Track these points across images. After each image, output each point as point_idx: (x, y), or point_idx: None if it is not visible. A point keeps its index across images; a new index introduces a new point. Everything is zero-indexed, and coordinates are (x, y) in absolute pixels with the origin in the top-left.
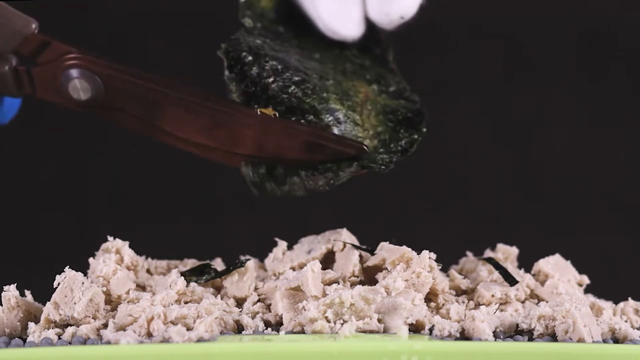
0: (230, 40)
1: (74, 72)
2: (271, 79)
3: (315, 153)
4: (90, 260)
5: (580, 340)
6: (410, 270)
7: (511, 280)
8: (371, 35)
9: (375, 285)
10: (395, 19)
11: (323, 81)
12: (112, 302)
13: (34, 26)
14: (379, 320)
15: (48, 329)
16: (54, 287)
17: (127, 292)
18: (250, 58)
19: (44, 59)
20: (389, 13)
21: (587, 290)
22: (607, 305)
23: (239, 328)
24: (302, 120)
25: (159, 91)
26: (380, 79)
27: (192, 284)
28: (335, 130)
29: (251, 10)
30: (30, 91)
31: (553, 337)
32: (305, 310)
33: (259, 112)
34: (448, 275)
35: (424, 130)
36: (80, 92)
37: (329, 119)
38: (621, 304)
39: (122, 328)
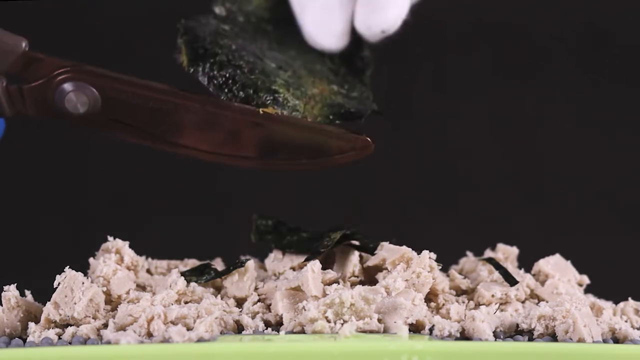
0: (193, 18)
1: (68, 86)
2: (220, 51)
3: (318, 152)
4: (91, 260)
5: (580, 340)
6: (411, 270)
7: (511, 280)
8: (356, 48)
9: (375, 285)
10: (377, 32)
11: (278, 70)
12: (112, 302)
13: (24, 44)
14: (379, 320)
15: (48, 329)
16: (54, 287)
17: (127, 292)
18: (208, 34)
19: (36, 76)
20: (371, 26)
21: (587, 290)
22: (607, 305)
23: (239, 328)
24: (241, 92)
25: (157, 99)
26: (344, 84)
27: (192, 284)
28: (274, 107)
29: (240, 2)
30: (23, 109)
31: (553, 337)
32: (305, 310)
33: (261, 112)
34: (448, 275)
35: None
36: (77, 106)
37: (267, 97)
38: (621, 304)
39: (122, 328)
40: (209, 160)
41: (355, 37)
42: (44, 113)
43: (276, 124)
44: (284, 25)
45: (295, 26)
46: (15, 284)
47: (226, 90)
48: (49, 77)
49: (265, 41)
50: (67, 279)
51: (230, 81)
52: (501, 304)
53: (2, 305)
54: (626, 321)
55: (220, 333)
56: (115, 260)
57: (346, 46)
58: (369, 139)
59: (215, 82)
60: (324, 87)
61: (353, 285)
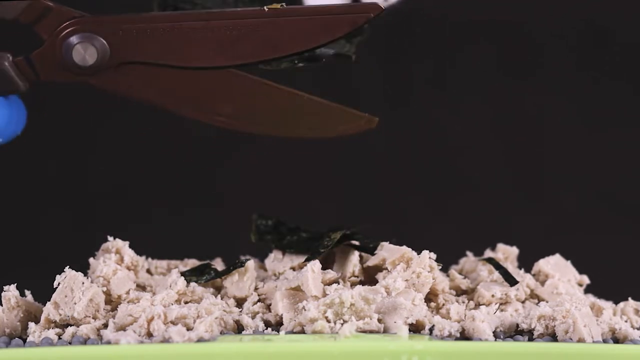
0: None
1: (74, 39)
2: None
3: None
4: (90, 260)
5: (580, 340)
6: (411, 270)
7: (511, 280)
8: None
9: (375, 285)
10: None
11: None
12: (112, 302)
13: None
14: (379, 320)
15: (48, 329)
16: (54, 287)
17: (127, 292)
18: None
19: (45, 27)
20: None
21: (587, 290)
22: (607, 305)
23: (239, 328)
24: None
25: (162, 27)
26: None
27: (192, 284)
28: None
29: None
30: (35, 78)
31: (553, 337)
32: (305, 310)
33: (266, 9)
34: (448, 275)
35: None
36: (85, 57)
37: None
38: (621, 304)
39: (122, 328)
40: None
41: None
42: (56, 75)
43: (284, 18)
44: None
45: None
46: (15, 284)
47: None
48: (54, 34)
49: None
50: (67, 279)
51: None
52: (501, 304)
53: (2, 305)
54: (626, 321)
55: (220, 333)
56: (115, 260)
57: None
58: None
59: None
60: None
61: (353, 285)
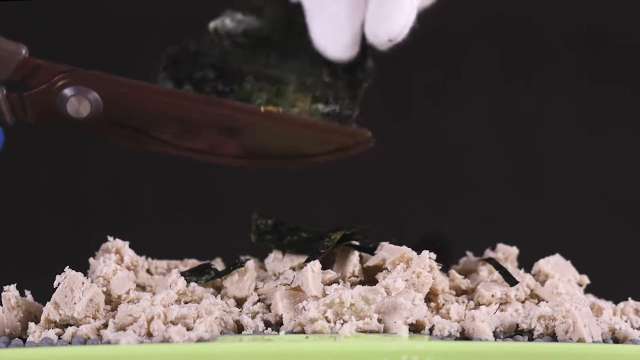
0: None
1: (70, 91)
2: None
3: (325, 145)
4: (90, 260)
5: (580, 340)
6: (410, 270)
7: (511, 280)
8: (362, 58)
9: (375, 285)
10: (384, 41)
11: (260, 92)
12: (112, 302)
13: (24, 51)
14: (379, 320)
15: (48, 329)
16: (54, 287)
17: (127, 292)
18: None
19: (36, 82)
20: (378, 35)
21: (587, 290)
22: (607, 305)
23: (239, 328)
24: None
25: (157, 101)
26: (331, 97)
27: (192, 284)
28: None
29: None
30: (24, 117)
31: (553, 337)
32: (305, 310)
33: (262, 110)
34: (448, 275)
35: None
36: (79, 110)
37: (247, 90)
38: (621, 304)
39: (122, 328)
40: (209, 161)
41: (362, 50)
42: (46, 119)
43: (277, 122)
44: (294, 36)
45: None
46: (15, 284)
47: (207, 88)
48: (50, 83)
49: (262, 56)
50: (67, 279)
51: (211, 82)
52: (501, 304)
53: (2, 305)
54: (626, 321)
55: (220, 333)
56: (115, 260)
57: (355, 56)
58: (369, 132)
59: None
60: (305, 105)
61: (353, 285)
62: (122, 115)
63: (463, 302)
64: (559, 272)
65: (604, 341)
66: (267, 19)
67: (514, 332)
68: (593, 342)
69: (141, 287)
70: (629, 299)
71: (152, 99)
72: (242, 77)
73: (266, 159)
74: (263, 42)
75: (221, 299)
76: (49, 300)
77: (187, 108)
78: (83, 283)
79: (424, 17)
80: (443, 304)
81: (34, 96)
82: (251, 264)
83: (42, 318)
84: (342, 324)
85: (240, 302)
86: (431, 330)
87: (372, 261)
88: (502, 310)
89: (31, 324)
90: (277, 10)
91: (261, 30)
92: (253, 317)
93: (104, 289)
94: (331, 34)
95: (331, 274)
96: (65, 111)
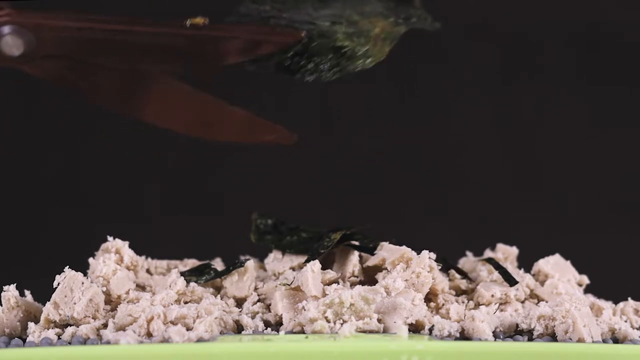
0: (237, 14)
1: (4, 29)
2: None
3: (256, 51)
4: (90, 260)
5: (580, 340)
6: (410, 270)
7: (511, 280)
8: None
9: (375, 285)
10: None
11: (333, 26)
12: (112, 302)
13: None
14: (379, 320)
15: (48, 329)
16: (54, 287)
17: (127, 292)
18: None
19: None
20: None
21: (587, 290)
22: (607, 305)
23: (238, 328)
24: (310, 64)
25: (92, 28)
26: (401, 14)
27: (192, 284)
28: (347, 65)
29: None
30: None
31: (553, 337)
32: (305, 310)
33: (188, 24)
34: (448, 275)
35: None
36: (12, 49)
37: (337, 57)
38: (621, 304)
39: (122, 328)
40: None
41: None
42: None
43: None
44: None
45: None
46: (15, 284)
47: (296, 68)
48: None
49: (308, 3)
50: (67, 279)
51: (297, 57)
52: (501, 304)
53: (2, 305)
54: (626, 321)
55: (220, 333)
56: (115, 260)
57: None
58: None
59: (285, 65)
60: (383, 24)
61: (353, 285)
62: (55, 47)
63: (463, 302)
64: (559, 272)
65: (604, 341)
66: None
67: (514, 332)
68: (593, 342)
69: (141, 287)
70: (629, 299)
71: (81, 26)
72: (310, 23)
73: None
74: None
75: (221, 299)
76: (49, 300)
77: (115, 29)
78: (83, 283)
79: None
80: (443, 304)
81: None
82: (251, 264)
83: (42, 318)
84: (341, 324)
85: (240, 302)
86: (431, 330)
87: (372, 261)
88: (501, 310)
89: (31, 324)
90: None
91: None
92: (253, 317)
93: (104, 289)
94: None
95: (331, 274)
96: (1, 50)
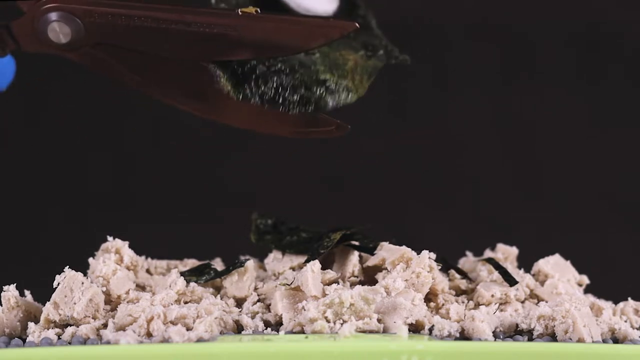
0: None
1: (52, 16)
2: (255, 62)
3: (314, 39)
4: (90, 260)
5: (580, 340)
6: (410, 270)
7: (511, 280)
8: (352, 7)
9: (375, 285)
10: None
11: (309, 56)
12: (112, 302)
13: None
14: (379, 320)
15: (48, 329)
16: (54, 287)
17: (127, 292)
18: None
19: (26, 5)
20: None
21: (587, 290)
22: (607, 305)
23: (238, 328)
24: (295, 96)
25: (139, 16)
26: (366, 46)
27: (192, 284)
28: (329, 100)
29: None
30: (14, 47)
31: (553, 337)
32: (305, 310)
33: (239, 12)
34: (448, 275)
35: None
36: (60, 36)
37: (321, 90)
38: (621, 304)
39: (122, 328)
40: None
41: (344, 0)
42: (35, 46)
43: (258, 20)
44: (271, 6)
45: (280, 4)
46: (15, 284)
47: (280, 100)
48: (33, 9)
49: None
50: (67, 279)
51: (280, 89)
52: (501, 304)
53: (1, 305)
54: (626, 321)
55: (220, 333)
56: (115, 260)
57: (338, 9)
58: (354, 23)
59: (267, 96)
60: (355, 57)
61: (353, 285)
62: (104, 35)
63: (463, 302)
64: (559, 272)
65: (604, 341)
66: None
67: (514, 332)
68: (593, 342)
69: (141, 287)
70: (629, 299)
71: (132, 14)
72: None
73: (241, 55)
74: None
75: (221, 299)
76: (49, 300)
77: (167, 18)
78: (83, 283)
79: (423, 17)
80: (443, 304)
81: (19, 24)
82: (251, 264)
83: (42, 318)
84: (341, 324)
85: (239, 302)
86: (431, 330)
87: (371, 261)
88: (501, 310)
89: (31, 324)
90: None
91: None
92: (253, 317)
93: (104, 289)
94: None
95: (331, 274)
96: (47, 37)
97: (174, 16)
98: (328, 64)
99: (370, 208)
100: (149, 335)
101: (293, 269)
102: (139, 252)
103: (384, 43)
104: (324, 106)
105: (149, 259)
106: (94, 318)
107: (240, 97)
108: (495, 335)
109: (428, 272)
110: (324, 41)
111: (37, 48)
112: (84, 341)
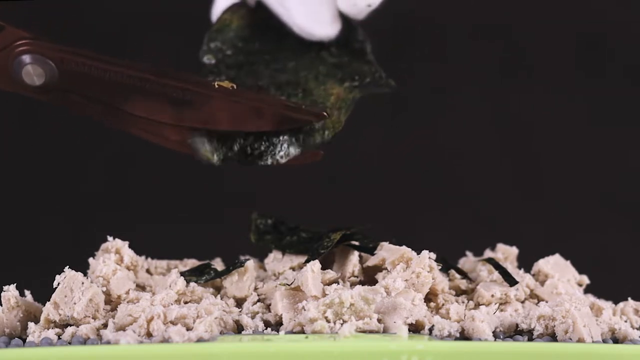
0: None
1: (27, 58)
2: None
3: (281, 124)
4: (90, 260)
5: (580, 340)
6: (410, 270)
7: (511, 280)
8: (349, 31)
9: (375, 285)
10: (363, 7)
11: (289, 97)
12: (112, 302)
13: None
14: (379, 320)
15: (48, 329)
16: (54, 287)
17: (127, 292)
18: None
19: None
20: (356, 3)
21: (587, 290)
22: (607, 305)
23: (238, 328)
24: (273, 139)
25: (115, 71)
26: (355, 75)
27: (192, 284)
28: (309, 140)
29: (222, 36)
30: None
31: (553, 337)
32: (305, 310)
33: (216, 85)
34: (448, 275)
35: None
36: (33, 78)
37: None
38: (621, 304)
39: (122, 328)
40: (149, 135)
41: (345, 23)
42: (4, 84)
43: (233, 97)
44: (272, 35)
45: (282, 31)
46: (15, 284)
47: (257, 154)
48: (8, 48)
49: (261, 65)
50: (67, 279)
51: (256, 142)
52: (501, 304)
53: (1, 305)
54: (626, 321)
55: (220, 333)
56: (115, 260)
57: (339, 33)
58: (324, 112)
59: (246, 152)
60: (338, 90)
61: (353, 285)
62: (79, 86)
63: (463, 302)
64: (559, 272)
65: (604, 341)
66: (240, 35)
67: (514, 332)
68: (593, 342)
69: (141, 287)
70: (629, 299)
71: (109, 71)
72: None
73: (209, 130)
74: (254, 56)
75: (221, 299)
76: (49, 300)
77: (143, 79)
78: (83, 283)
79: (424, 17)
80: (443, 304)
81: None
82: (251, 264)
83: (42, 318)
84: (341, 324)
85: (240, 302)
86: (431, 330)
87: (371, 261)
88: (501, 310)
89: (31, 324)
90: (243, 21)
91: (246, 45)
92: (253, 317)
93: (104, 289)
94: (313, 14)
95: (331, 274)
96: (20, 77)
97: (150, 76)
98: (307, 104)
99: (370, 208)
100: (149, 335)
101: (293, 269)
102: (139, 252)
103: (373, 70)
104: (300, 147)
105: (149, 259)
106: (94, 318)
107: (222, 158)
108: (495, 335)
109: (428, 272)
110: (292, 126)
111: (6, 86)
112: (84, 341)
